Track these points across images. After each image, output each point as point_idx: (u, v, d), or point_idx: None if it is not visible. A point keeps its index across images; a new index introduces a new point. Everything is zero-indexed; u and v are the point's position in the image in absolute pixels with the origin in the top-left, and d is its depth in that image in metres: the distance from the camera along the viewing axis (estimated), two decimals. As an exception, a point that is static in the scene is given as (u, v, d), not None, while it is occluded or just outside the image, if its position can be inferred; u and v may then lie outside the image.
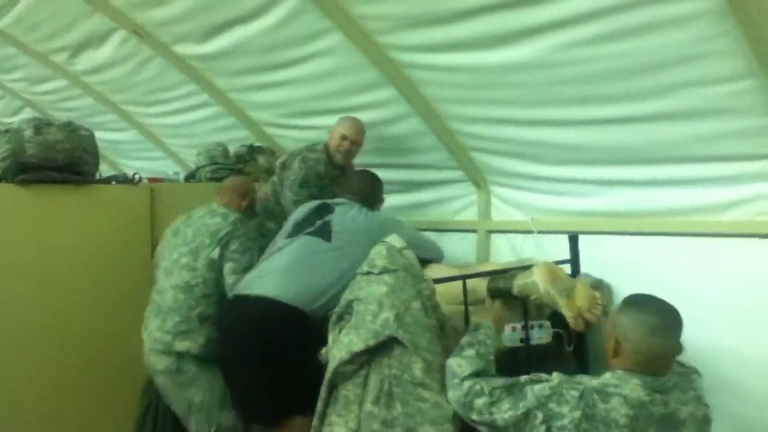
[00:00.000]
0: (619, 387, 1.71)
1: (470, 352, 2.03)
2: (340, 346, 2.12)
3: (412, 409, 1.99)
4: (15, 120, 5.07)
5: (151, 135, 5.28)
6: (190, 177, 4.19)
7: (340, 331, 2.18)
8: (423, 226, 3.69)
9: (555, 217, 3.13)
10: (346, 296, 2.23)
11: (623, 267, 2.78)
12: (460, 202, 3.63)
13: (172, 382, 2.87)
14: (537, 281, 2.27)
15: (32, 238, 3.27)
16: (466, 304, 2.41)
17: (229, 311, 2.70)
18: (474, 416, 1.87)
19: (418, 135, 3.37)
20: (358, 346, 2.06)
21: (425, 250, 2.95)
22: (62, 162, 3.32)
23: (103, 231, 3.46)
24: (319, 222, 2.77)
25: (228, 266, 2.94)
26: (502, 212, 3.42)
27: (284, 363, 2.44)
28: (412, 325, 2.09)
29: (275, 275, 2.61)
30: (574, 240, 2.76)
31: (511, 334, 2.43)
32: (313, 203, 2.93)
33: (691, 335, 2.44)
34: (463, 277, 2.44)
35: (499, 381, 1.88)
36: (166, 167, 5.20)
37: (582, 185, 2.94)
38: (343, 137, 3.35)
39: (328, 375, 2.12)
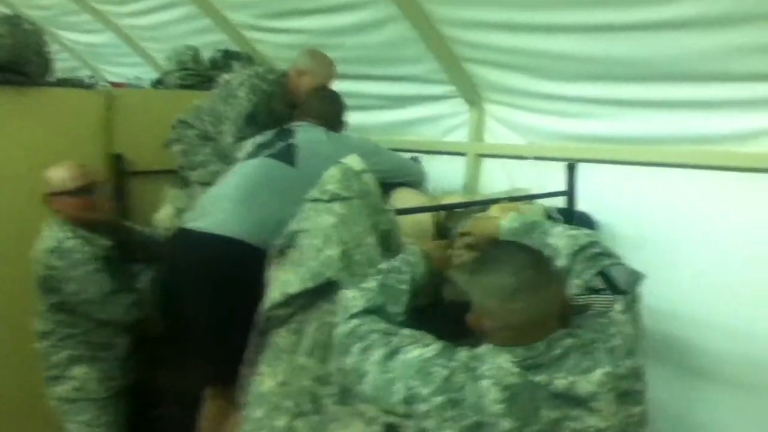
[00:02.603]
0: (489, 364, 1.33)
1: (372, 283, 1.63)
2: (276, 285, 1.79)
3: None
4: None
5: (129, 39, 4.85)
6: (158, 83, 3.80)
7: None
8: (407, 147, 3.30)
9: (556, 141, 2.72)
10: (291, 226, 1.87)
11: (629, 203, 2.43)
12: (450, 121, 3.20)
13: None
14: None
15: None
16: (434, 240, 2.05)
17: (174, 249, 2.36)
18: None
19: (405, 42, 2.92)
20: (294, 287, 1.72)
21: (403, 173, 2.59)
22: (4, 60, 2.93)
23: (49, 140, 3.06)
24: (280, 144, 2.38)
25: None
26: (496, 134, 3.00)
27: (235, 311, 2.05)
28: (362, 265, 1.74)
29: (224, 205, 2.24)
30: (571, 169, 2.37)
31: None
32: (273, 130, 2.52)
33: (708, 281, 2.15)
34: (435, 209, 2.06)
35: (382, 326, 1.51)
36: (146, 74, 4.82)
37: (587, 105, 2.51)
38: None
39: (259, 318, 1.78)
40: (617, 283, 1.56)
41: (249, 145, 2.48)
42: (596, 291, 1.58)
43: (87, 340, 2.54)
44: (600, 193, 2.50)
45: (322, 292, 1.72)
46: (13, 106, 2.99)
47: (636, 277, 1.56)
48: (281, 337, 1.77)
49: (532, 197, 2.41)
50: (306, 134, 2.41)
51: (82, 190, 2.53)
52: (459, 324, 1.56)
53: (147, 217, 3.09)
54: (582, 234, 1.73)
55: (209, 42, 3.99)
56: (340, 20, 3.08)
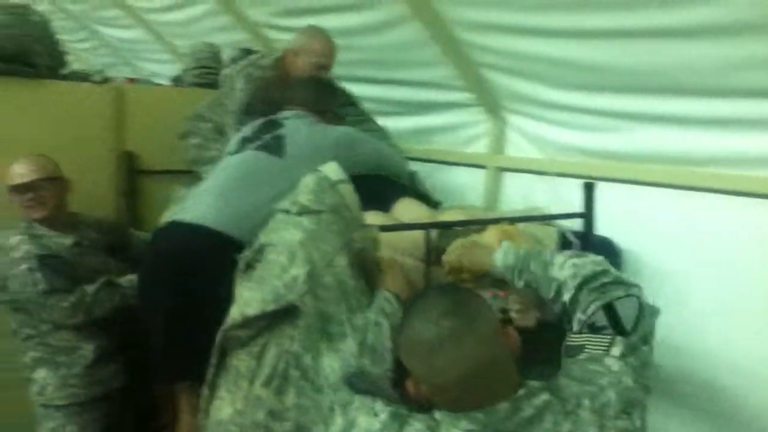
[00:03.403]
0: None
1: (350, 343, 1.46)
2: (238, 303, 1.62)
3: (307, 401, 1.48)
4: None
5: (158, 35, 4.79)
6: (177, 80, 3.70)
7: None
8: (424, 156, 3.13)
9: (575, 156, 2.50)
10: (260, 237, 1.71)
11: (652, 227, 2.20)
12: (471, 130, 3.00)
13: None
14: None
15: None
16: (428, 261, 1.85)
17: (152, 242, 2.23)
18: None
19: (419, 44, 2.73)
20: (253, 308, 1.56)
21: (388, 164, 2.49)
22: (9, 50, 2.86)
23: (57, 135, 2.98)
24: (268, 136, 2.23)
25: None
26: (517, 147, 2.80)
27: (206, 309, 1.91)
28: (331, 288, 1.56)
29: (209, 197, 2.09)
30: (590, 189, 2.14)
31: (490, 300, 1.88)
32: (259, 120, 2.38)
33: (731, 314, 1.93)
34: (426, 226, 1.87)
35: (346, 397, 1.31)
36: (176, 71, 4.76)
37: (611, 119, 2.29)
38: (320, 66, 2.64)
39: (218, 337, 1.62)
40: (621, 319, 1.28)
41: (234, 140, 2.33)
42: (596, 329, 1.30)
43: (45, 342, 2.41)
44: (622, 215, 2.28)
45: (284, 315, 1.55)
46: (21, 98, 2.92)
47: (646, 312, 1.30)
48: (240, 360, 1.60)
49: (542, 218, 2.20)
50: (293, 124, 2.24)
51: (18, 189, 2.41)
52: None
53: (157, 216, 2.98)
54: (588, 261, 1.45)
55: (233, 40, 3.90)
56: (353, 20, 2.91)
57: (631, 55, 2.01)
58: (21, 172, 2.43)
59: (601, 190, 2.30)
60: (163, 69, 5.05)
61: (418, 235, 1.91)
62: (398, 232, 2.05)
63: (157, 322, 2.05)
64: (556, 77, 2.34)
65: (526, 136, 2.73)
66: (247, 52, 3.67)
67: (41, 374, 2.41)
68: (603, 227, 2.27)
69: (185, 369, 1.98)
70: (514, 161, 2.77)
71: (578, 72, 2.23)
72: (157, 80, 4.43)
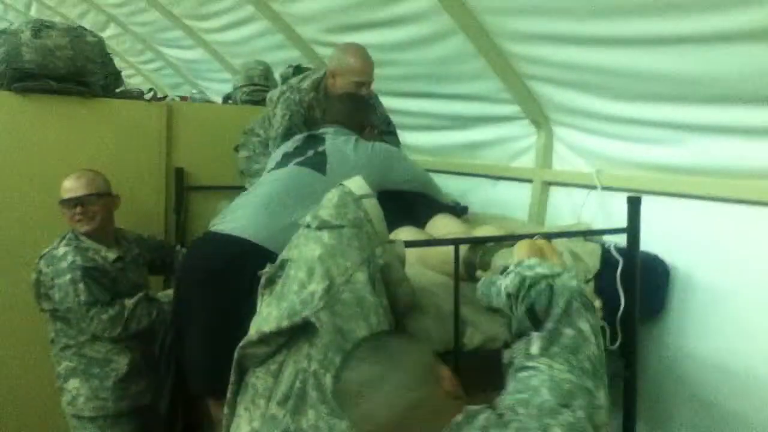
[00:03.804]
0: None
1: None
2: (256, 319, 1.59)
3: (324, 425, 1.42)
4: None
5: (216, 54, 4.89)
6: (227, 98, 3.75)
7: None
8: (471, 170, 3.06)
9: (625, 169, 2.38)
10: (283, 253, 1.68)
11: (704, 243, 2.06)
12: (519, 144, 2.90)
13: None
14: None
15: (29, 153, 2.95)
16: (456, 277, 1.78)
17: (192, 251, 2.24)
18: None
19: (465, 57, 2.67)
20: (269, 325, 1.52)
21: (422, 184, 2.48)
22: (64, 71, 2.96)
23: (111, 150, 3.09)
24: (311, 152, 2.23)
25: None
26: (564, 160, 2.69)
27: (241, 321, 1.90)
28: (349, 305, 1.51)
29: (250, 209, 2.11)
30: (635, 204, 2.01)
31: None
32: (300, 135, 2.38)
33: None
34: (455, 242, 1.79)
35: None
36: (232, 90, 4.86)
37: (659, 129, 2.16)
38: (359, 84, 2.61)
39: (236, 354, 1.59)
40: (537, 314, 1.15)
41: (277, 154, 2.36)
42: (522, 335, 1.17)
43: (81, 353, 2.45)
44: (672, 230, 2.15)
45: (302, 332, 1.51)
46: (74, 116, 3.03)
47: (557, 293, 1.15)
48: (258, 378, 1.56)
49: (579, 233, 2.10)
50: (334, 141, 2.25)
51: (67, 203, 2.48)
52: (481, 374, 1.34)
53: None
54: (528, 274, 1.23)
55: (287, 57, 3.92)
56: (398, 34, 2.89)
57: (686, 62, 1.89)
58: (70, 186, 2.50)
59: (650, 204, 2.17)
60: (222, 88, 5.13)
61: (450, 250, 1.84)
62: (430, 248, 2.00)
63: (192, 333, 2.05)
64: (605, 87, 2.24)
65: (574, 148, 2.62)
66: (299, 69, 3.70)
67: (74, 384, 2.45)
68: (652, 243, 2.14)
69: (219, 382, 1.95)
70: (560, 175, 2.67)
71: (629, 81, 2.12)
72: (216, 98, 4.52)
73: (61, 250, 2.43)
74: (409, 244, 1.74)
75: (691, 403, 2.08)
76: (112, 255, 2.51)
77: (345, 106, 2.41)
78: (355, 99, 2.48)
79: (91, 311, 2.37)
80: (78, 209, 2.48)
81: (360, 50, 2.65)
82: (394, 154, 2.34)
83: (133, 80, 6.91)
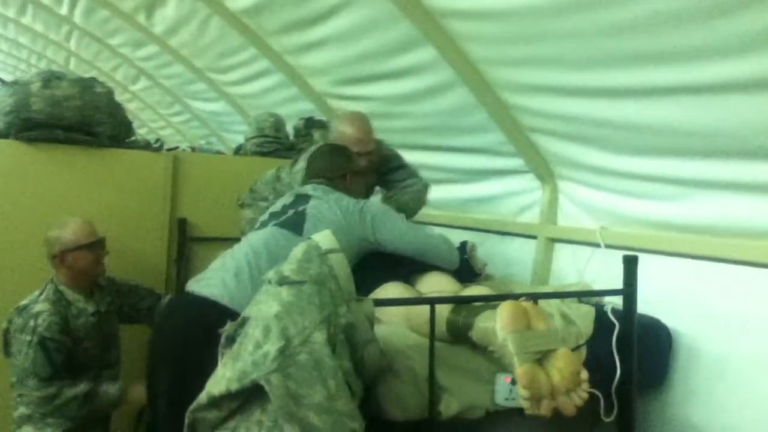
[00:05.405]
0: None
1: None
2: (211, 381, 1.50)
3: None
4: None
5: (237, 106, 4.94)
6: (239, 149, 3.74)
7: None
8: (475, 225, 2.96)
9: (629, 227, 2.26)
10: (246, 310, 1.60)
11: (711, 307, 1.93)
12: (523, 199, 2.82)
13: None
14: (497, 327, 1.49)
15: (36, 201, 2.94)
16: (432, 339, 1.67)
17: (165, 313, 2.19)
18: None
19: (468, 109, 2.61)
20: (219, 387, 1.42)
21: (432, 254, 2.25)
22: (72, 120, 2.98)
23: (115, 200, 3.08)
24: (291, 212, 2.19)
25: None
26: (569, 216, 2.58)
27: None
28: (306, 368, 1.41)
29: (224, 272, 2.05)
30: (631, 264, 1.88)
31: (507, 386, 1.66)
32: (291, 192, 2.32)
33: None
34: (432, 301, 1.69)
35: None
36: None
37: (666, 185, 2.06)
38: (358, 154, 2.49)
39: (186, 418, 1.50)
40: None
41: (267, 212, 2.30)
42: None
43: (34, 402, 2.31)
44: (674, 292, 2.02)
45: (256, 396, 1.41)
46: (79, 165, 3.02)
47: None
48: (210, 445, 1.47)
49: (568, 295, 1.97)
50: (319, 200, 2.19)
51: (95, 244, 2.45)
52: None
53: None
54: None
55: (302, 110, 3.93)
56: (404, 86, 2.86)
57: (693, 114, 1.80)
58: (90, 230, 2.47)
59: (653, 263, 2.05)
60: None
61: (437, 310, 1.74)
62: (414, 307, 1.89)
63: (159, 401, 1.98)
64: (606, 140, 2.15)
65: (579, 204, 2.51)
66: (310, 121, 3.69)
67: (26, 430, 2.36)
68: (654, 306, 2.01)
69: None
70: (565, 231, 2.56)
71: (635, 134, 2.03)
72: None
73: (38, 307, 2.34)
74: (379, 302, 1.64)
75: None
76: (91, 308, 2.46)
77: (323, 159, 2.36)
78: (333, 149, 2.42)
79: (28, 380, 2.28)
80: (98, 252, 2.46)
81: (357, 119, 2.58)
82: (386, 215, 2.21)
83: (163, 132, 7.06)
